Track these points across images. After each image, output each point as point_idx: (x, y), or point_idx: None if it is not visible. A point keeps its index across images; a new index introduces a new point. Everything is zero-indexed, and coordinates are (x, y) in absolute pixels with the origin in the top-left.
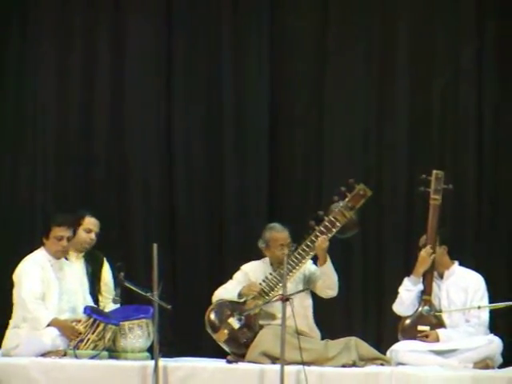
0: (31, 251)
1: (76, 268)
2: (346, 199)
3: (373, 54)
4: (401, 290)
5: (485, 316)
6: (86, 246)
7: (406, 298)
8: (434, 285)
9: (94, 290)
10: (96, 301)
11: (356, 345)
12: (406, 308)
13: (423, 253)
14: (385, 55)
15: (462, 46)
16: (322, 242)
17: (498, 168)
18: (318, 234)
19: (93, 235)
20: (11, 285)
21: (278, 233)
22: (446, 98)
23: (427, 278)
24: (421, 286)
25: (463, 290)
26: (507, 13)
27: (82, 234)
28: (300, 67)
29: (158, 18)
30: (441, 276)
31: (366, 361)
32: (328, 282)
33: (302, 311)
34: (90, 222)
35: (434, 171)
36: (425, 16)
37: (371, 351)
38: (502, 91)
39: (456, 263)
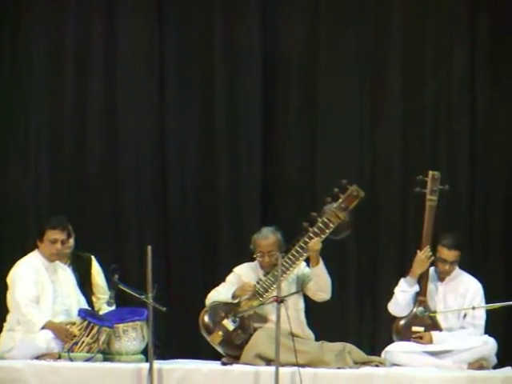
0: (24, 254)
1: (69, 272)
2: (339, 200)
3: (365, 54)
4: (396, 290)
5: (480, 322)
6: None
7: (402, 298)
8: (432, 286)
9: (87, 294)
10: (90, 303)
11: (350, 352)
12: (401, 309)
13: (421, 254)
14: (377, 56)
15: (454, 47)
16: (314, 243)
17: (491, 169)
18: (311, 235)
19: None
20: (5, 288)
21: (260, 240)
22: (439, 98)
23: (423, 279)
24: (417, 288)
25: (461, 295)
26: (500, 14)
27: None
28: (293, 65)
29: (149, 21)
30: (441, 279)
31: (360, 364)
32: (320, 284)
33: (294, 314)
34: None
35: (431, 172)
36: (417, 16)
37: (365, 357)
38: (494, 93)
39: (457, 268)
